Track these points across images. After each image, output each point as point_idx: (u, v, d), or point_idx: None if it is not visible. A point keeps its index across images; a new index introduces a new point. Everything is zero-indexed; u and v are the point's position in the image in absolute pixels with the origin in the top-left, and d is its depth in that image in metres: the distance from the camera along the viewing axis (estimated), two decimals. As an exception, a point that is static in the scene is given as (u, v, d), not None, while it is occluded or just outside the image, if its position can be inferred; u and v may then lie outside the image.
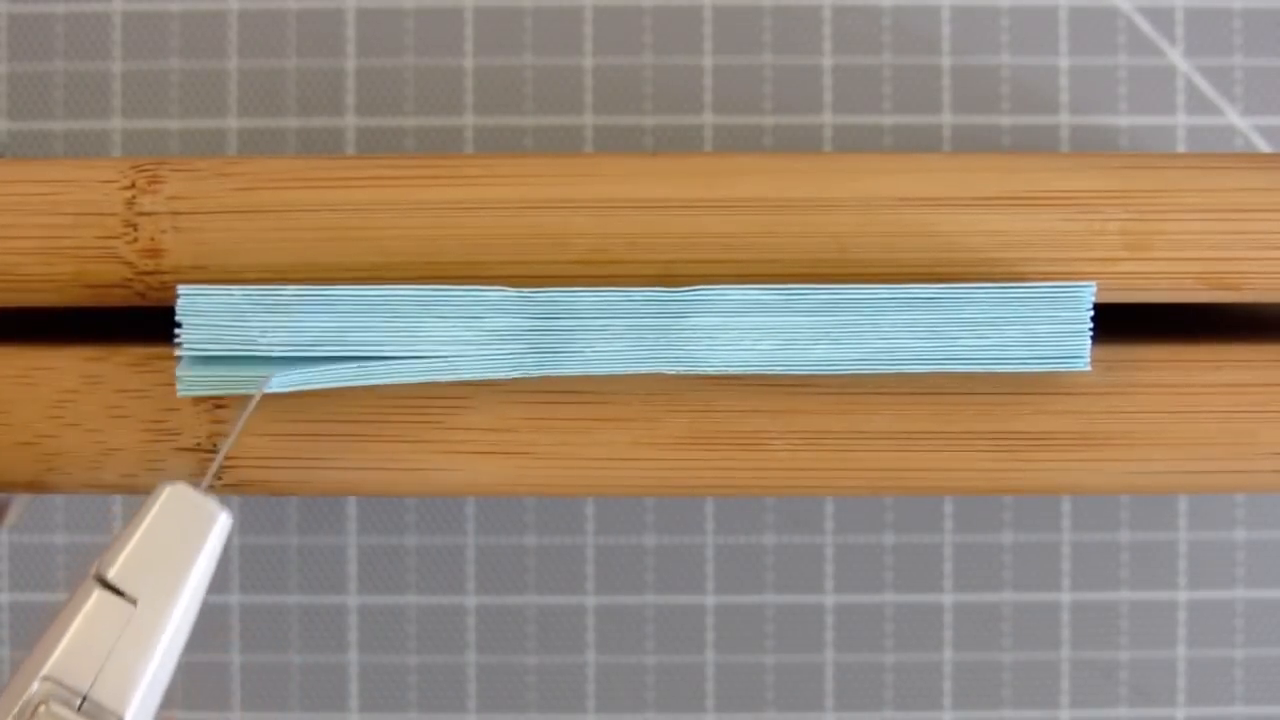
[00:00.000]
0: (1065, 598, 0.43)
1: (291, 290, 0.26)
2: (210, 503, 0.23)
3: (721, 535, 0.43)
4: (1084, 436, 0.27)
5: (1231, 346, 0.27)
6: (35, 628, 0.43)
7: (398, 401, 0.27)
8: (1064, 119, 0.43)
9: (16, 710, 0.22)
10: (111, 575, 0.23)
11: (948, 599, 0.43)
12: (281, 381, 0.25)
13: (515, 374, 0.26)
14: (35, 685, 0.22)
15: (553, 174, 0.27)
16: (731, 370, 0.26)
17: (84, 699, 0.22)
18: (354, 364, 0.25)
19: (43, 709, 0.21)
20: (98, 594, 0.22)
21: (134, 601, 0.22)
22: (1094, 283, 0.26)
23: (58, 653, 0.22)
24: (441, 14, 0.43)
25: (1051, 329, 0.26)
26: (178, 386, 0.26)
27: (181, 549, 0.23)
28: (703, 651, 0.43)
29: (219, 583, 0.43)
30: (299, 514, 0.43)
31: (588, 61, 0.43)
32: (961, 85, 0.43)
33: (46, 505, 0.43)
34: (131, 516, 0.23)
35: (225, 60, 0.43)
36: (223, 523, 0.23)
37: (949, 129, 0.43)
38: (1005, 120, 0.42)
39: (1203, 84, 0.42)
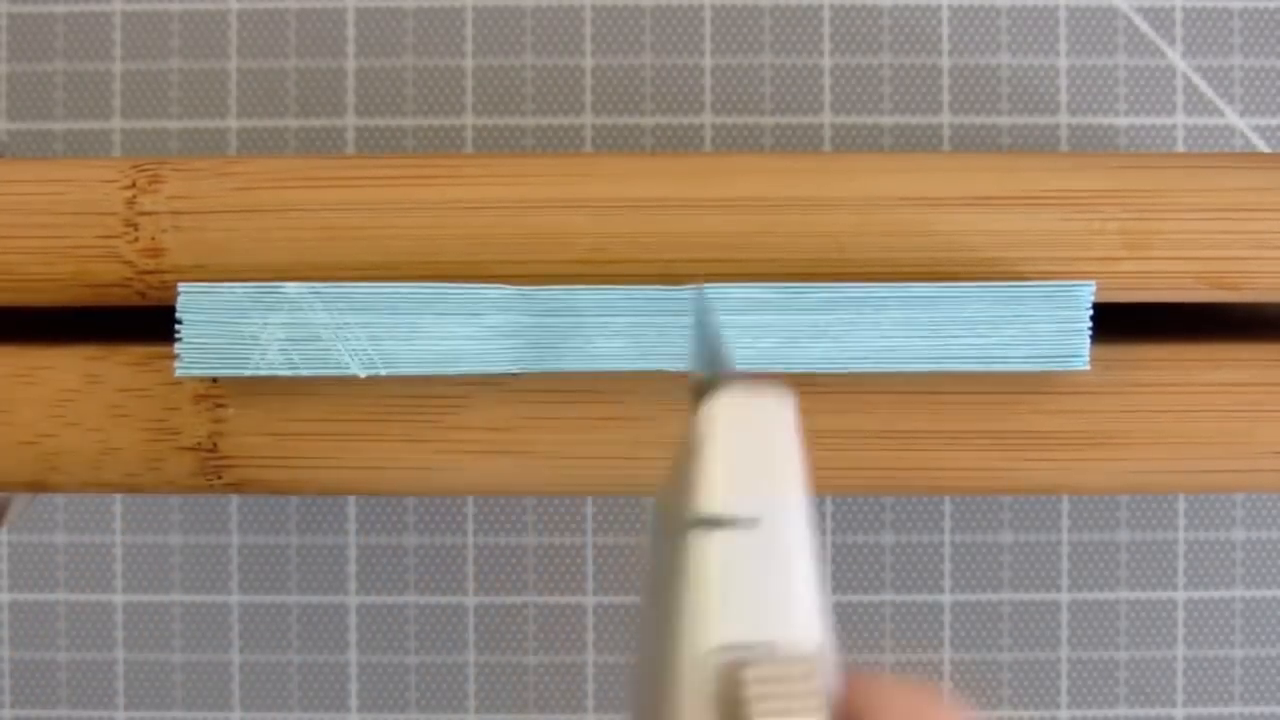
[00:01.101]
0: (1064, 598, 0.43)
1: (292, 287, 0.26)
2: (768, 388, 0.20)
3: (721, 535, 0.43)
4: (1083, 436, 0.27)
5: (1230, 346, 0.27)
6: (39, 625, 0.43)
7: (397, 401, 0.27)
8: (1063, 119, 0.43)
9: (707, 697, 0.18)
10: (720, 511, 0.19)
11: (947, 599, 0.43)
12: (275, 361, 0.26)
13: (515, 369, 0.26)
14: (713, 659, 0.18)
15: (552, 174, 0.27)
16: (731, 369, 0.26)
17: (769, 648, 0.18)
18: (357, 354, 0.26)
19: (748, 678, 0.18)
20: (717, 535, 0.19)
21: (756, 521, 0.19)
22: (1093, 282, 0.26)
23: (715, 616, 0.18)
24: (441, 14, 0.43)
25: (1051, 328, 0.26)
26: (176, 367, 0.26)
27: (771, 447, 0.19)
28: (702, 651, 0.43)
29: (219, 583, 0.43)
30: (299, 514, 0.43)
31: (587, 61, 0.43)
32: (961, 85, 0.43)
33: (46, 505, 0.43)
34: (682, 450, 0.20)
35: (225, 60, 0.43)
36: (792, 403, 0.19)
37: (948, 129, 0.43)
38: (1004, 120, 0.43)
39: (1201, 84, 0.42)
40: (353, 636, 0.43)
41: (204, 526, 0.43)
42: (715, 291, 0.26)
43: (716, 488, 0.19)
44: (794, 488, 0.19)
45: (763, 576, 0.19)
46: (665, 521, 0.20)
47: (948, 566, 0.43)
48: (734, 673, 0.18)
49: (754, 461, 0.19)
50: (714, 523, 0.19)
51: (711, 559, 0.19)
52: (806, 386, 0.27)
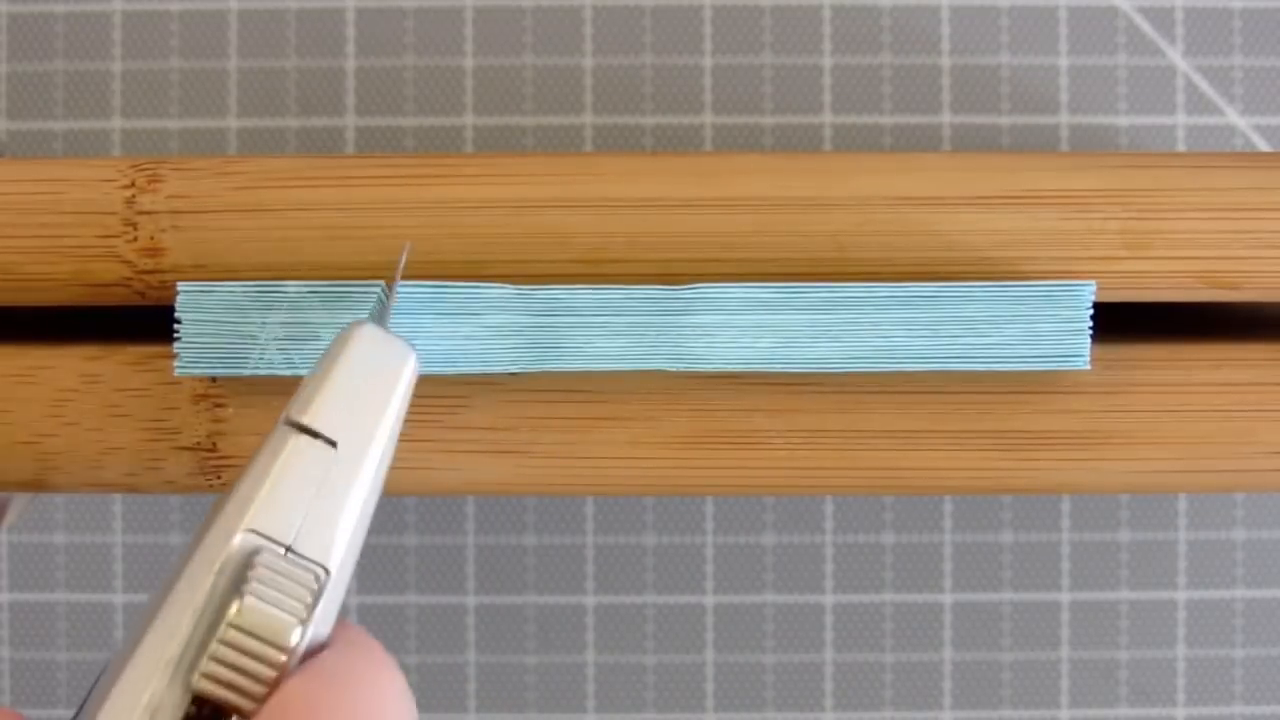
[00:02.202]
0: (1065, 597, 0.43)
1: (292, 286, 0.26)
2: (401, 342, 0.22)
3: (721, 535, 0.43)
4: (1083, 435, 0.27)
5: (1231, 345, 0.27)
6: (39, 625, 0.43)
7: (397, 400, 0.27)
8: (1064, 119, 0.43)
9: (220, 564, 0.20)
10: (307, 419, 0.21)
11: (947, 599, 0.43)
12: (275, 361, 0.26)
13: (514, 369, 0.26)
14: (238, 538, 0.20)
15: (552, 173, 0.27)
16: (730, 368, 0.26)
17: (288, 549, 0.20)
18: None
19: (258, 561, 0.20)
20: (295, 439, 0.21)
21: (334, 444, 0.21)
22: (1094, 282, 0.26)
23: (259, 502, 0.20)
24: (441, 14, 0.43)
25: (1051, 328, 0.26)
26: (175, 366, 0.26)
27: (378, 389, 0.21)
28: (702, 651, 0.43)
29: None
30: (299, 514, 0.43)
31: (587, 61, 0.43)
32: (961, 85, 0.43)
33: (46, 505, 0.43)
34: (320, 361, 0.22)
35: (225, 60, 0.43)
36: (414, 363, 0.22)
37: (949, 129, 0.43)
38: (1005, 120, 0.42)
39: (1202, 84, 0.42)
40: (352, 636, 0.43)
41: (204, 526, 0.43)
42: (715, 290, 0.26)
43: (315, 399, 0.21)
44: (383, 431, 0.21)
45: (316, 492, 0.21)
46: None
47: (948, 566, 0.43)
48: (248, 553, 0.20)
49: (359, 393, 0.21)
50: (300, 428, 0.21)
51: (281, 456, 0.21)
52: (806, 386, 0.27)
